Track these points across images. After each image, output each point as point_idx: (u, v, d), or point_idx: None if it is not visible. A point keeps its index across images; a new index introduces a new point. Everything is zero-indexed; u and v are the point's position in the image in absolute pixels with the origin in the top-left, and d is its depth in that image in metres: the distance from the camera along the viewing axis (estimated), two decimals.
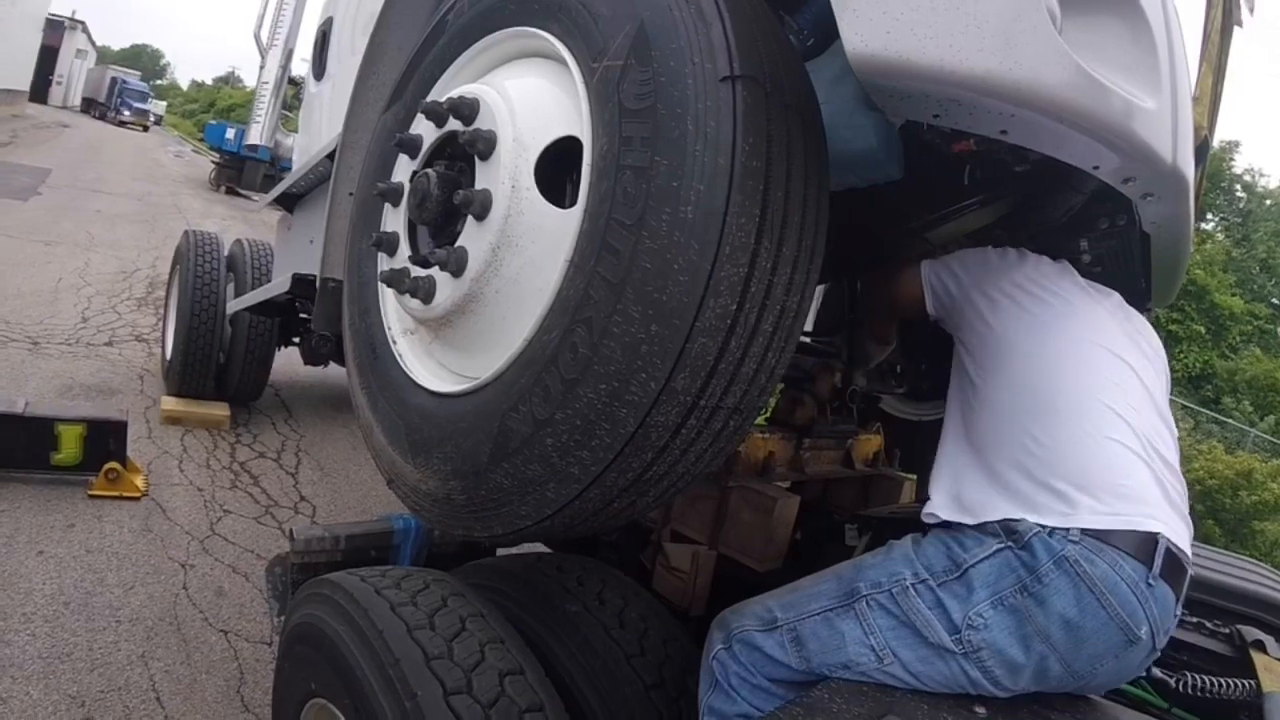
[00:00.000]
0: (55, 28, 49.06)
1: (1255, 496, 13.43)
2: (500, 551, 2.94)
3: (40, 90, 46.39)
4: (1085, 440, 1.69)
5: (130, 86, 53.68)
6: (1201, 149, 1.94)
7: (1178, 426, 2.00)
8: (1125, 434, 1.72)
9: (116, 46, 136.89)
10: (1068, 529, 1.59)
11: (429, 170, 1.86)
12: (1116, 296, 2.08)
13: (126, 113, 50.61)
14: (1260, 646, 2.40)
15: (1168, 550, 1.62)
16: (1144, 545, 1.61)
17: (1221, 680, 2.15)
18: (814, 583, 1.89)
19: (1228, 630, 2.52)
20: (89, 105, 55.93)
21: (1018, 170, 1.99)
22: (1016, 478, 1.70)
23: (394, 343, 2.03)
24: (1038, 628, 1.58)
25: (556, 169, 1.69)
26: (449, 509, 1.79)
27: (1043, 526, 1.61)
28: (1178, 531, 1.67)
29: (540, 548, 2.80)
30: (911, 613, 1.68)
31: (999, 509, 1.67)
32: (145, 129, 50.70)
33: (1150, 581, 1.60)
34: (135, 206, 16.27)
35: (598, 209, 1.48)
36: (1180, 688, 2.14)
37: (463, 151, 1.80)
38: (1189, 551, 1.70)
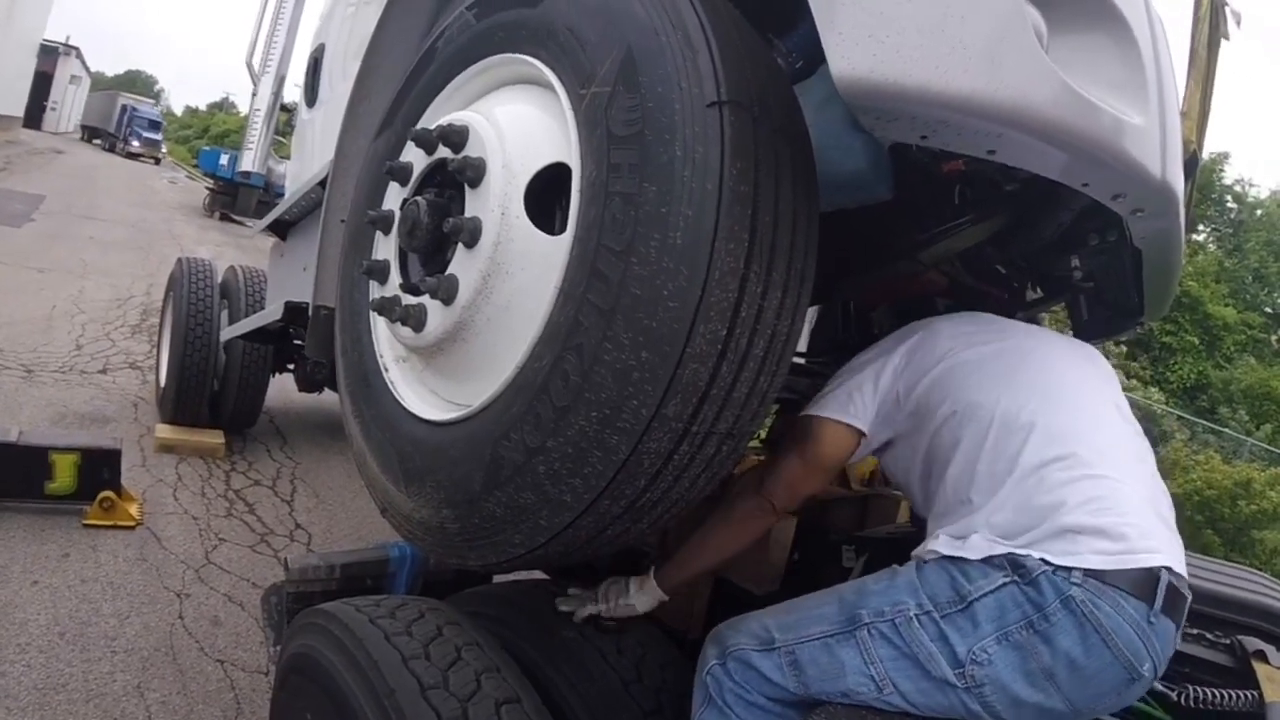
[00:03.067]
0: (49, 53, 48.31)
1: (1254, 505, 13.41)
2: (497, 578, 2.93)
3: (34, 116, 46.16)
4: (1079, 478, 1.67)
5: (140, 114, 48.64)
6: (1191, 163, 1.94)
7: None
8: (1115, 467, 1.71)
9: (111, 72, 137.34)
10: (1070, 569, 1.58)
11: (419, 198, 1.86)
12: (1038, 327, 2.10)
13: (135, 143, 46.21)
14: (1262, 656, 2.38)
15: (1169, 584, 1.61)
16: (1146, 583, 1.59)
17: (1224, 692, 2.14)
18: (814, 605, 1.87)
19: (1228, 641, 2.50)
20: (94, 134, 53.09)
21: (1007, 189, 2.00)
22: (1017, 518, 1.67)
23: (386, 370, 2.02)
24: (1043, 665, 1.57)
25: (546, 195, 1.68)
26: (442, 538, 1.78)
27: (1049, 564, 1.59)
28: (1175, 555, 1.66)
29: (537, 574, 2.78)
30: (914, 644, 1.65)
31: (1002, 546, 1.65)
32: (157, 161, 46.67)
33: (1152, 619, 1.58)
34: (129, 233, 16.29)
35: (587, 235, 1.47)
36: (1182, 700, 2.12)
37: (452, 179, 1.79)
38: (1185, 572, 1.69)
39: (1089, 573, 1.57)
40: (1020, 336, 1.96)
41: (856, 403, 1.95)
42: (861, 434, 1.96)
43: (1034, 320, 2.45)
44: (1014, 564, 1.61)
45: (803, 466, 1.99)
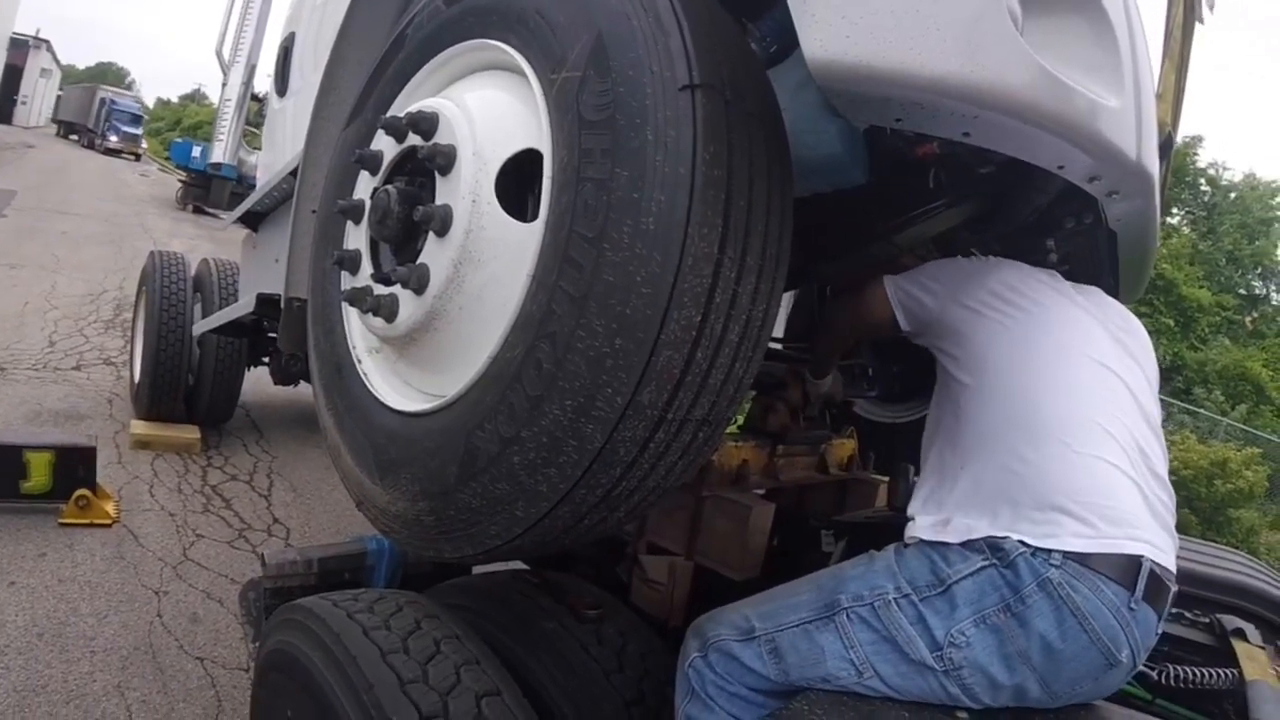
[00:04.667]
0: (19, 47, 47.48)
1: (1230, 485, 13.57)
2: (475, 569, 2.92)
3: (5, 111, 45.57)
4: (1071, 459, 1.67)
5: (119, 107, 44.87)
6: (1165, 145, 1.95)
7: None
8: (1111, 451, 1.70)
9: (81, 65, 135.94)
10: (1050, 551, 1.58)
11: (389, 186, 1.83)
12: (1098, 294, 2.06)
13: (114, 137, 42.86)
14: (1241, 634, 2.41)
15: (1151, 572, 1.61)
16: (1127, 568, 1.59)
17: (1204, 670, 2.15)
18: (792, 592, 1.88)
19: (1208, 620, 2.53)
20: (70, 130, 50.33)
21: (982, 172, 2.00)
22: (1001, 497, 1.68)
23: (359, 362, 2.00)
24: (1019, 648, 1.57)
25: (518, 182, 1.67)
26: (418, 530, 1.76)
27: (1027, 546, 1.59)
28: (1162, 548, 1.66)
29: (517, 564, 2.78)
30: (893, 628, 1.66)
31: (982, 529, 1.66)
32: (137, 156, 43.58)
33: (1133, 605, 1.58)
34: (101, 227, 16.13)
35: (559, 222, 1.46)
36: (1163, 679, 2.14)
37: (423, 167, 1.77)
38: (1173, 566, 1.69)
39: (1069, 555, 1.58)
40: (1058, 307, 1.92)
41: (910, 294, 2.02)
42: (895, 320, 2.04)
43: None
44: (993, 547, 1.62)
45: (846, 302, 2.27)
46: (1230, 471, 13.72)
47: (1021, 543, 1.60)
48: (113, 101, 45.31)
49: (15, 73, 46.84)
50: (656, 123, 1.36)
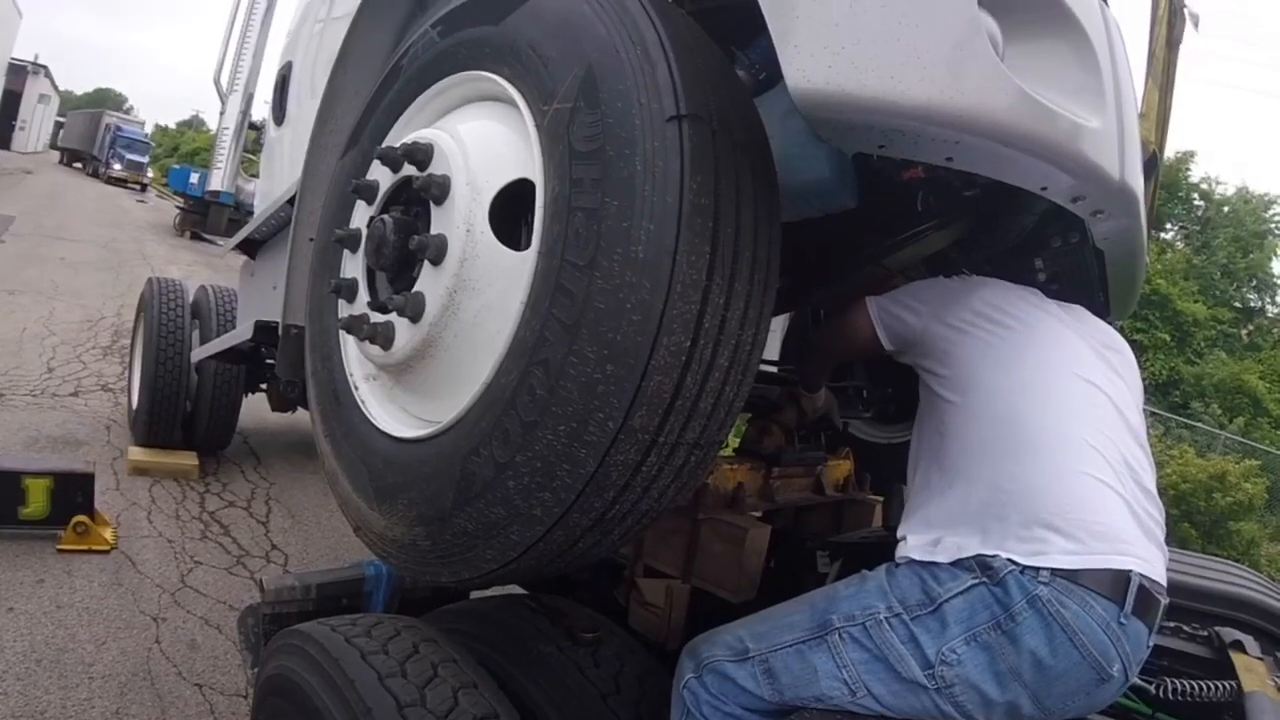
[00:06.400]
0: (18, 73, 47.55)
1: (1230, 498, 13.54)
2: (473, 593, 2.92)
3: (3, 137, 45.68)
4: (1058, 476, 1.68)
5: (124, 134, 43.37)
6: (1150, 163, 1.96)
7: (1148, 433, 2.00)
8: (1099, 466, 1.71)
9: (79, 91, 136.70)
10: (1038, 569, 1.59)
11: (385, 216, 1.86)
12: (1082, 311, 2.07)
13: (118, 165, 41.20)
14: (1239, 647, 2.41)
15: (1140, 586, 1.62)
16: (1116, 583, 1.61)
17: (1202, 683, 2.16)
18: (785, 612, 1.89)
19: (1206, 633, 2.54)
20: (75, 157, 49.55)
21: (968, 194, 2.01)
22: (989, 515, 1.69)
23: (356, 389, 2.02)
24: (1010, 665, 1.58)
25: (511, 211, 1.69)
26: (416, 555, 1.77)
27: (1015, 564, 1.61)
28: (1151, 562, 1.67)
29: (514, 588, 2.78)
30: (885, 647, 1.67)
31: (972, 547, 1.67)
32: (143, 186, 41.49)
33: (1122, 620, 1.60)
34: (99, 253, 16.18)
35: (551, 251, 1.48)
36: (1161, 693, 2.15)
37: (418, 196, 1.80)
38: (1163, 580, 1.71)
39: (1057, 572, 1.59)
40: (1042, 324, 1.93)
41: (892, 314, 2.03)
42: (878, 340, 2.04)
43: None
44: (983, 566, 1.63)
45: (832, 322, 2.33)
46: (1229, 484, 13.69)
47: (1010, 561, 1.61)
48: (118, 128, 44.44)
49: (14, 98, 46.91)
50: (645, 153, 1.38)
